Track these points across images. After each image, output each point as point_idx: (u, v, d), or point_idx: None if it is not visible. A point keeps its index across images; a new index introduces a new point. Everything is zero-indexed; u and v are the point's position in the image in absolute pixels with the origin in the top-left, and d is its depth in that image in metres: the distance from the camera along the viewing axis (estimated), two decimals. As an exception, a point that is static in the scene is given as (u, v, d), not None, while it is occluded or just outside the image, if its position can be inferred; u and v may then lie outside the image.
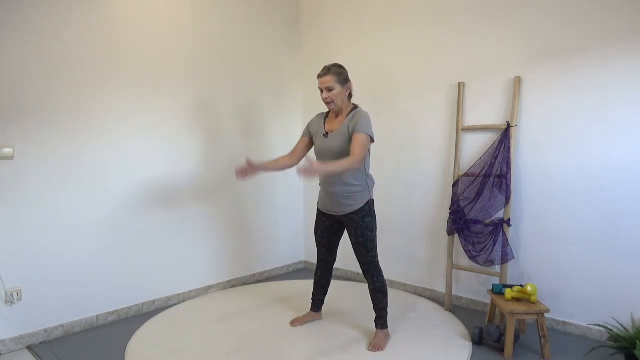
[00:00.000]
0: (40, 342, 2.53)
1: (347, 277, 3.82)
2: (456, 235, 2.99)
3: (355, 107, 2.47)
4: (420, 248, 3.34)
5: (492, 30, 2.87)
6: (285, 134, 3.92)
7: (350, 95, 2.48)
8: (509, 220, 2.72)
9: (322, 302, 2.81)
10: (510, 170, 2.70)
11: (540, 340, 2.32)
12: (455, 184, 2.96)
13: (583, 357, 2.32)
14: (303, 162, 2.27)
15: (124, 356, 2.34)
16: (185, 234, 3.22)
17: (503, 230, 2.72)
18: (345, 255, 3.82)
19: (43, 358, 2.35)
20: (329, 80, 2.36)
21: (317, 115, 2.64)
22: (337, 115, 2.48)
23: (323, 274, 2.74)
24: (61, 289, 2.62)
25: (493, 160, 2.77)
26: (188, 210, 3.23)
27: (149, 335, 2.60)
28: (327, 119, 2.55)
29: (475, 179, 2.85)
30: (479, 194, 2.82)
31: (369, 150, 2.46)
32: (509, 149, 2.72)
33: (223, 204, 3.47)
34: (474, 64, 2.96)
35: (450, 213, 2.96)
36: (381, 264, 3.53)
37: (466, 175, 2.92)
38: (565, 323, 2.67)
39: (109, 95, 2.79)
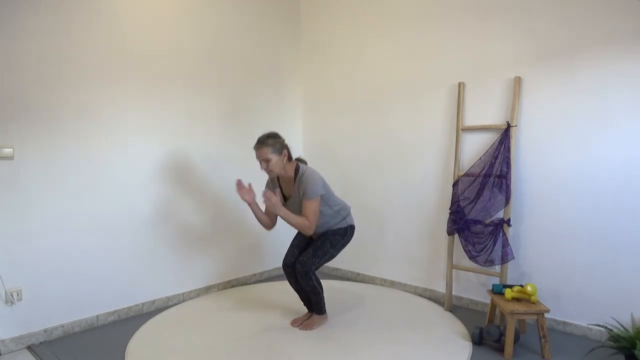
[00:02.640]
0: (40, 342, 2.53)
1: (347, 277, 3.82)
2: (456, 235, 2.99)
3: (298, 166, 2.56)
4: (420, 248, 3.34)
5: (492, 30, 2.87)
6: (285, 132, 3.90)
7: (290, 158, 2.58)
8: (509, 220, 2.72)
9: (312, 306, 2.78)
10: (510, 170, 2.70)
11: (540, 340, 2.32)
12: (455, 184, 2.97)
13: (583, 357, 2.32)
14: (269, 192, 2.41)
15: (124, 356, 2.34)
16: (185, 234, 3.22)
17: (503, 230, 2.72)
18: (345, 255, 3.83)
19: (43, 358, 2.34)
20: (265, 152, 2.47)
21: (269, 179, 2.74)
22: (286, 179, 2.60)
23: (295, 281, 2.70)
24: (61, 289, 2.62)
25: (493, 160, 2.77)
26: (188, 210, 3.23)
27: (149, 335, 2.60)
28: (280, 181, 2.66)
29: (475, 179, 2.85)
30: (479, 194, 2.82)
31: (329, 190, 2.61)
32: (509, 149, 2.72)
33: (223, 203, 3.47)
34: (474, 64, 2.97)
35: (450, 213, 2.96)
36: (381, 264, 3.58)
37: (466, 175, 2.92)
38: (565, 323, 2.67)
39: (110, 96, 2.79)
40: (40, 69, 2.50)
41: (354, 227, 2.74)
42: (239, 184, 2.58)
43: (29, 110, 2.47)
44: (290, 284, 2.74)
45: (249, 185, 2.61)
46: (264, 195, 2.40)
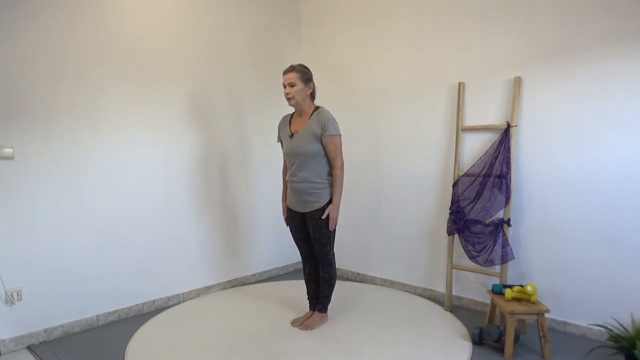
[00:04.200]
0: (40, 342, 2.53)
1: (347, 277, 3.82)
2: (456, 235, 2.99)
3: (317, 107, 2.62)
4: (420, 248, 3.34)
5: (492, 30, 2.87)
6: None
7: (312, 96, 2.65)
8: (509, 220, 2.72)
9: (318, 299, 2.80)
10: (510, 170, 2.70)
11: (540, 340, 2.32)
12: (455, 184, 2.97)
13: (583, 357, 2.32)
14: (330, 223, 2.58)
15: (124, 356, 2.34)
16: (185, 234, 3.22)
17: (503, 230, 2.72)
18: (345, 255, 3.83)
19: (43, 358, 2.35)
20: (293, 77, 2.54)
21: (282, 118, 2.79)
22: (300, 115, 2.64)
23: (310, 269, 2.79)
24: (61, 289, 2.62)
25: (493, 160, 2.77)
26: (188, 210, 3.23)
27: (149, 335, 2.60)
28: (292, 120, 2.70)
29: (475, 179, 2.85)
30: (479, 194, 2.82)
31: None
32: (509, 149, 2.72)
33: (223, 204, 3.47)
34: (474, 64, 2.96)
35: (450, 213, 2.96)
36: (381, 264, 3.58)
37: (466, 175, 2.92)
38: (565, 323, 2.67)
39: (109, 95, 2.79)
40: (40, 69, 2.50)
41: None
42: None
43: (29, 110, 2.47)
44: (304, 272, 2.83)
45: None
46: (332, 225, 2.59)
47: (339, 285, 3.51)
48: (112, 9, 2.78)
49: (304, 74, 2.57)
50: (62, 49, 2.57)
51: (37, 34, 2.48)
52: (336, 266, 2.81)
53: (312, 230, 2.62)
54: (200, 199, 3.31)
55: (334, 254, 2.69)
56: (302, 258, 2.82)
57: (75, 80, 2.63)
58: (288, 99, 2.58)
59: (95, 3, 2.71)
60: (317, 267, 2.77)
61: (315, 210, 2.58)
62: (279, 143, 2.79)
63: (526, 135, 2.75)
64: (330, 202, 2.59)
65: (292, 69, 2.57)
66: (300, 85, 2.55)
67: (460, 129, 3.00)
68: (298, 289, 3.43)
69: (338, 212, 2.59)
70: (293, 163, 2.63)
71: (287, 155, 2.67)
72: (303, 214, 2.68)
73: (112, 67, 2.79)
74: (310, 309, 2.83)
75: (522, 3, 2.73)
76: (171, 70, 3.10)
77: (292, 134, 2.62)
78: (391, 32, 3.41)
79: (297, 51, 4.03)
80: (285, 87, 2.57)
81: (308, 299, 2.83)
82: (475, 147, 2.98)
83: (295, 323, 2.72)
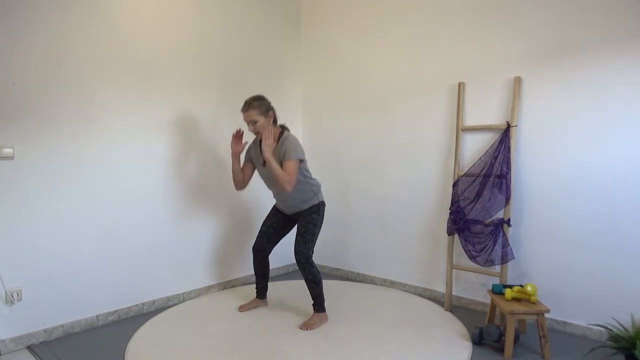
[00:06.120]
0: (40, 342, 2.53)
1: (347, 277, 3.82)
2: (456, 235, 2.99)
3: (283, 130, 2.71)
4: (420, 248, 3.34)
5: (492, 30, 2.87)
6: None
7: (275, 122, 2.70)
8: (509, 220, 2.72)
9: (265, 289, 3.01)
10: (510, 170, 2.70)
11: (540, 340, 2.32)
12: (455, 184, 2.97)
13: (583, 357, 2.32)
14: (264, 148, 2.54)
15: (124, 356, 2.34)
16: (185, 234, 3.22)
17: (503, 230, 2.72)
18: (345, 255, 3.83)
19: (43, 358, 2.34)
20: (252, 114, 2.58)
21: (253, 142, 2.85)
22: None
23: (260, 264, 2.94)
24: (61, 289, 2.62)
25: (493, 160, 2.77)
26: (188, 210, 3.23)
27: (149, 335, 2.60)
28: (262, 145, 2.66)
29: (475, 179, 2.85)
30: (479, 194, 2.82)
31: (305, 161, 2.70)
32: (509, 149, 2.72)
33: (223, 204, 3.47)
34: (474, 64, 2.97)
35: (450, 213, 2.97)
36: (381, 264, 3.58)
37: (466, 175, 2.92)
38: (565, 323, 2.67)
39: (110, 95, 2.79)
40: (40, 68, 2.49)
41: (325, 203, 2.81)
42: (238, 134, 2.73)
43: (29, 110, 2.47)
44: (254, 265, 2.95)
45: (244, 142, 2.78)
46: (264, 137, 2.50)
47: (339, 285, 3.51)
48: (112, 9, 2.78)
49: (261, 107, 2.59)
50: (62, 49, 2.57)
51: (37, 34, 2.48)
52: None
53: (299, 226, 2.73)
54: (201, 199, 3.31)
55: (312, 253, 2.72)
56: (254, 252, 2.91)
57: (75, 81, 2.63)
58: (255, 134, 2.64)
59: (95, 4, 2.70)
60: (267, 263, 2.95)
61: (304, 210, 2.74)
62: (250, 164, 2.84)
63: (526, 135, 2.76)
64: (317, 204, 2.73)
65: (248, 106, 2.58)
66: (261, 119, 2.59)
67: (460, 129, 3.00)
68: (298, 289, 3.43)
69: (267, 156, 2.52)
70: (272, 188, 2.78)
71: (264, 180, 2.79)
72: (290, 216, 2.84)
73: (112, 68, 2.79)
74: (257, 297, 3.01)
75: (522, 3, 2.73)
76: (170, 71, 3.09)
77: (264, 162, 2.68)
78: (391, 32, 3.41)
79: (297, 51, 4.03)
80: (248, 124, 2.61)
81: (256, 288, 3.00)
82: (475, 147, 2.98)
83: (242, 309, 2.90)
